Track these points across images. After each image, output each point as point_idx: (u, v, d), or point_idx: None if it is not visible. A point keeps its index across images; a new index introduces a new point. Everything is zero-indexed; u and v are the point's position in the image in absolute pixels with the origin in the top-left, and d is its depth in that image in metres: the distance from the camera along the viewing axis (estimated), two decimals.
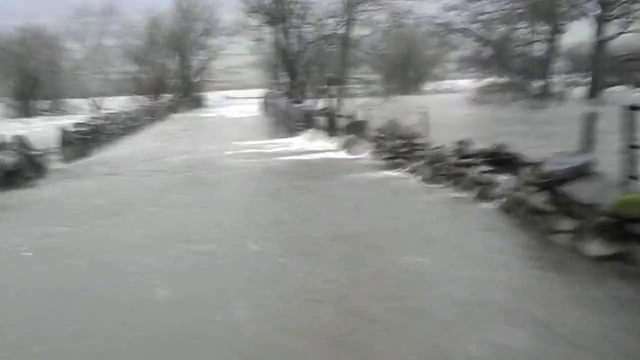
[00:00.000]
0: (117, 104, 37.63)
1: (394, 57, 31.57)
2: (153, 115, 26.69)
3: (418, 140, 10.37)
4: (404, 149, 10.42)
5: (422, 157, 9.80)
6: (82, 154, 16.51)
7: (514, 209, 6.41)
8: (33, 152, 11.88)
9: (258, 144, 15.53)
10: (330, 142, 14.57)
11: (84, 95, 46.52)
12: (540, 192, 5.91)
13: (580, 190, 5.36)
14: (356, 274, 4.94)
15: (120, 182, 10.82)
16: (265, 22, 26.82)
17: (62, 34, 46.25)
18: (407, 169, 9.97)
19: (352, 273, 4.97)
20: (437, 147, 9.47)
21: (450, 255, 5.27)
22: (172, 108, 35.77)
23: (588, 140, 6.02)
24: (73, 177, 11.62)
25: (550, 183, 5.75)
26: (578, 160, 5.72)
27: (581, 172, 5.58)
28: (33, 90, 44.65)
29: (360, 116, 14.01)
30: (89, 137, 16.71)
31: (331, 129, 15.16)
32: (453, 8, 29.25)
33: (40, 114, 41.83)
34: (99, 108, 43.87)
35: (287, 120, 20.10)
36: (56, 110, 44.53)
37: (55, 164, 13.42)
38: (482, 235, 5.87)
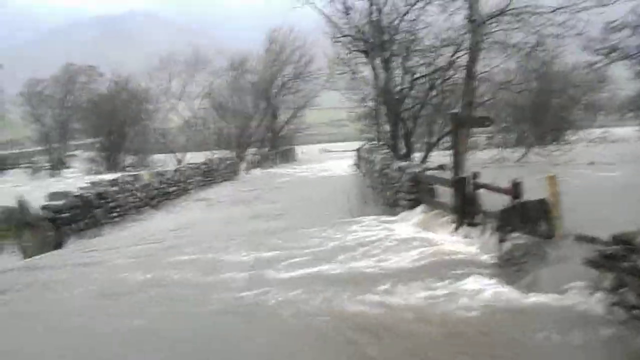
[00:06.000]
0: (199, 159, 33.06)
1: (534, 96, 23.21)
2: (210, 175, 20.49)
3: None
4: None
5: None
6: (53, 243, 10.36)
7: None
8: None
9: (320, 242, 8.20)
10: (466, 241, 7.05)
11: (170, 150, 42.72)
12: None
13: None
14: None
15: None
16: (360, 51, 20.27)
17: (148, 85, 42.89)
18: None
19: None
20: None
21: None
22: (253, 164, 30.29)
23: None
24: None
25: None
26: None
27: None
28: (119, 144, 41.48)
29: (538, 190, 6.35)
30: (66, 215, 10.53)
31: (466, 212, 7.65)
32: (624, 26, 20.54)
33: (124, 170, 38.42)
34: (179, 162, 39.82)
35: (384, 185, 12.84)
36: (141, 165, 40.96)
37: None
38: None
